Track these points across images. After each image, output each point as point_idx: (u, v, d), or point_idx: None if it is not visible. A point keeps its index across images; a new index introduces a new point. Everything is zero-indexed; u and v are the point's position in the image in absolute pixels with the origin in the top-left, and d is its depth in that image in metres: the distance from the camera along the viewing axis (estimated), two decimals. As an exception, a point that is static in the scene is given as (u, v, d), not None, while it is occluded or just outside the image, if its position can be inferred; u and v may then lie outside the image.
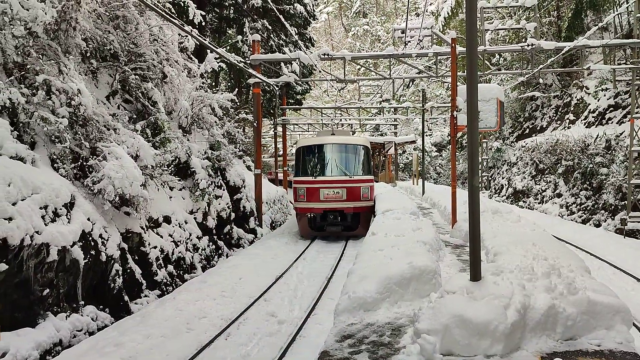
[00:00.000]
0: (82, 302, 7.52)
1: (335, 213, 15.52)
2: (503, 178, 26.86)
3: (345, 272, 8.27)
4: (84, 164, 8.36)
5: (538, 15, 20.04)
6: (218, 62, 14.81)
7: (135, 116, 10.97)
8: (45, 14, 7.74)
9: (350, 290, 5.87)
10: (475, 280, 4.62)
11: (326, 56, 16.76)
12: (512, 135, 30.36)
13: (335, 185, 15.45)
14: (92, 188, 8.18)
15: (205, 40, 12.85)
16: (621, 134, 17.15)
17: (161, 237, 10.22)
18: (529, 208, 21.33)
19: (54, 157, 7.94)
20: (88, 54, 9.93)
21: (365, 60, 20.96)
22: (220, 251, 13.04)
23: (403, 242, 7.74)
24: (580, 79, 24.09)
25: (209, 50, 14.08)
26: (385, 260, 6.61)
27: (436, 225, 13.32)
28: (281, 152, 28.69)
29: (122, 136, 9.29)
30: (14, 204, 6.25)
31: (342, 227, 15.63)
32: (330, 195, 15.41)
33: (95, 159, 8.35)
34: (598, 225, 15.36)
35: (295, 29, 24.68)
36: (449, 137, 18.98)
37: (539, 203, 20.83)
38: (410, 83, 47.65)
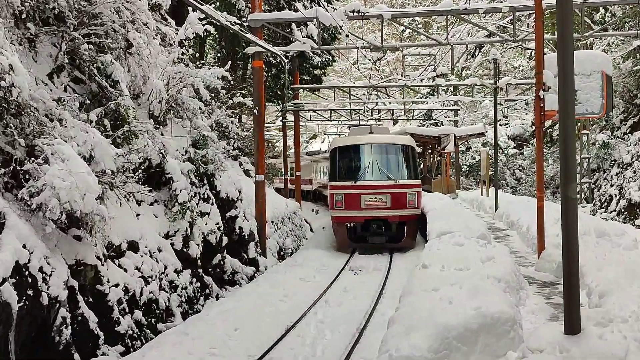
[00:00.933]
0: (16, 362, 7.61)
1: (379, 222, 18.28)
2: (612, 186, 26.51)
3: (385, 319, 8.23)
4: (18, 168, 8.47)
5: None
6: (203, 25, 14.93)
7: (88, 101, 11.10)
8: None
9: (392, 347, 5.84)
10: (572, 333, 4.57)
11: (356, 14, 16.79)
12: (625, 125, 29.98)
13: (378, 191, 18.12)
14: (29, 203, 8.28)
15: (186, -7, 13.00)
16: None
17: (125, 270, 10.29)
18: (650, 229, 21.00)
19: (-23, 159, 8.07)
20: (23, 16, 10.09)
21: (411, 19, 21.02)
22: (207, 290, 13.10)
23: (467, 278, 7.70)
24: None
25: (190, 8, 14.23)
26: (441, 304, 6.57)
27: (515, 253, 13.22)
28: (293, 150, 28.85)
29: (71, 129, 9.39)
30: None
31: (386, 238, 18.39)
32: (373, 202, 18.06)
33: (33, 161, 8.45)
34: None
35: (312, -24, 24.82)
36: (533, 128, 18.76)
37: (664, 221, 20.51)
38: (477, 51, 47.52)
